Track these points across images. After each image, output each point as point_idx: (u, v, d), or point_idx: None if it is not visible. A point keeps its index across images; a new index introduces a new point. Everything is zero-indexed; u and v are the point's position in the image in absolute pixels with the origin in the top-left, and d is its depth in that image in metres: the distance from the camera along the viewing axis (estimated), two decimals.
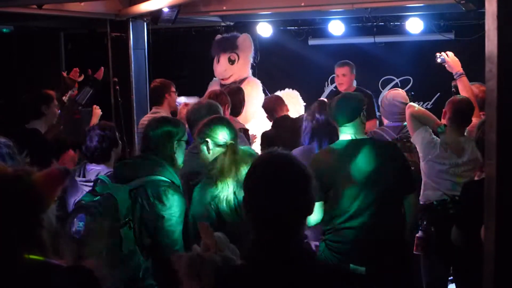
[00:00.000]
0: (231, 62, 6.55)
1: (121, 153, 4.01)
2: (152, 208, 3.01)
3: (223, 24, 7.51)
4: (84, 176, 3.57)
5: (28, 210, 1.73)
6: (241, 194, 2.96)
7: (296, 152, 3.96)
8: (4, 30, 7.98)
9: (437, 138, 4.08)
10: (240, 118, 5.17)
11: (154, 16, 6.01)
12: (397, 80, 7.38)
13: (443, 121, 4.09)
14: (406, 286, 3.43)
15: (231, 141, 3.13)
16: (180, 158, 3.23)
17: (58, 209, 3.36)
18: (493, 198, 2.18)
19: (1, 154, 2.90)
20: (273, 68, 7.43)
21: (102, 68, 5.51)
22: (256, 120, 6.09)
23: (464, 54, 4.89)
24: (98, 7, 6.14)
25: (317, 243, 3.45)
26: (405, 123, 4.38)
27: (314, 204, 1.87)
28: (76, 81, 5.54)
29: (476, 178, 3.38)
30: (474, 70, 4.46)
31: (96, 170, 3.56)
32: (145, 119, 5.43)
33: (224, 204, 2.98)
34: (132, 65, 6.50)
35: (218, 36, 6.92)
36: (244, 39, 6.67)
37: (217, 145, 3.14)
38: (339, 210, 3.28)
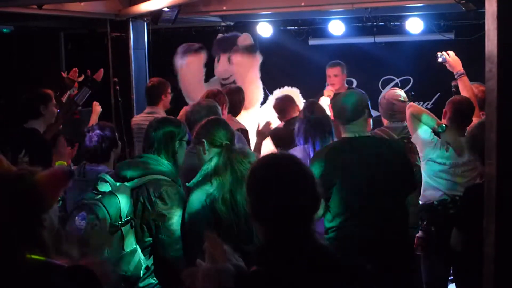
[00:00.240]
0: (231, 61, 6.55)
1: (121, 153, 4.01)
2: (154, 207, 3.02)
3: (223, 24, 7.52)
4: (84, 176, 3.57)
5: (29, 210, 1.73)
6: (237, 193, 2.99)
7: (291, 152, 3.96)
8: (4, 30, 7.98)
9: (437, 138, 4.07)
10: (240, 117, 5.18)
11: (154, 16, 6.02)
12: (397, 80, 7.38)
13: (444, 121, 4.09)
14: (406, 286, 3.43)
15: (227, 142, 3.13)
16: (181, 157, 3.26)
17: (59, 210, 3.37)
18: (493, 198, 2.18)
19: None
20: (273, 68, 7.42)
21: (102, 69, 5.51)
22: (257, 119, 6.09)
23: (464, 54, 4.89)
24: (98, 7, 6.14)
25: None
26: (406, 123, 4.37)
27: (320, 201, 1.88)
28: (76, 81, 5.54)
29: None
30: (474, 70, 4.46)
31: (96, 170, 3.55)
32: (137, 119, 5.41)
33: (220, 203, 2.99)
34: (132, 65, 6.52)
35: (219, 36, 6.92)
36: (244, 39, 6.67)
37: (214, 145, 3.14)
38: (341, 208, 3.28)
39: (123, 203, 2.96)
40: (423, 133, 4.09)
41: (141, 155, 3.29)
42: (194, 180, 3.11)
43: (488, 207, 2.22)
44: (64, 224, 2.84)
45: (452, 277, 4.13)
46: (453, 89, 4.79)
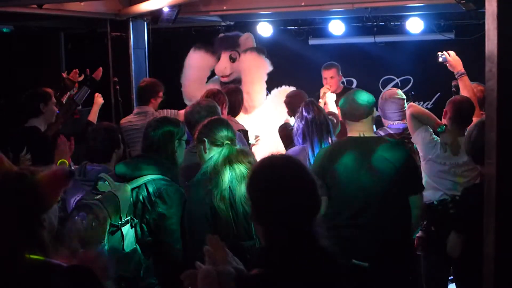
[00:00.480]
0: (232, 60, 6.54)
1: (122, 154, 4.01)
2: (154, 207, 3.03)
3: (223, 23, 7.51)
4: (84, 176, 3.57)
5: (30, 209, 1.73)
6: (236, 190, 3.00)
7: (290, 152, 3.97)
8: (4, 30, 7.97)
9: (437, 138, 4.07)
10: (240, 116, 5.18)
11: (154, 15, 6.02)
12: (397, 80, 7.38)
13: (444, 121, 4.09)
14: (406, 286, 3.42)
15: (228, 142, 3.14)
16: (180, 157, 3.27)
17: (59, 210, 3.37)
18: (493, 198, 2.19)
19: None
20: (273, 68, 7.42)
21: (101, 68, 5.50)
22: (257, 119, 6.09)
23: (464, 54, 4.88)
24: (98, 6, 6.14)
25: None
26: (406, 123, 4.37)
27: (321, 203, 1.88)
28: (76, 82, 5.54)
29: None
30: (474, 70, 4.46)
31: (96, 170, 3.55)
32: (123, 122, 5.32)
33: (219, 200, 2.99)
34: (132, 65, 6.52)
35: (221, 34, 6.92)
36: (246, 38, 6.66)
37: (215, 145, 3.15)
38: (342, 207, 3.28)
39: (123, 203, 2.96)
40: (423, 133, 4.09)
41: (141, 155, 3.30)
42: (193, 179, 3.12)
43: (488, 207, 2.22)
44: (64, 224, 2.84)
45: (452, 277, 4.13)
46: (453, 89, 4.79)
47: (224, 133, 3.18)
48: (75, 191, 3.48)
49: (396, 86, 7.09)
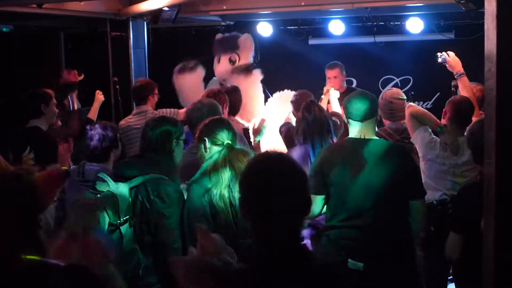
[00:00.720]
0: (232, 62, 6.54)
1: (120, 153, 4.01)
2: (153, 206, 3.02)
3: (223, 23, 7.50)
4: (83, 176, 3.57)
5: (26, 209, 1.73)
6: (235, 189, 3.00)
7: (290, 152, 3.97)
8: (4, 29, 7.98)
9: (437, 138, 4.07)
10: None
11: (154, 15, 6.02)
12: (397, 80, 7.38)
13: (443, 121, 4.09)
14: (406, 286, 3.41)
15: (228, 142, 3.14)
16: (178, 156, 3.27)
17: (58, 210, 3.36)
18: (492, 197, 2.18)
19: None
20: (273, 68, 7.42)
21: (75, 71, 5.51)
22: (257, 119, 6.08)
23: (464, 54, 4.88)
24: (98, 6, 6.15)
25: (309, 241, 3.44)
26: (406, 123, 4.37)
27: (310, 205, 1.87)
28: (76, 82, 5.55)
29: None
30: (474, 70, 4.46)
31: (95, 170, 3.55)
32: (123, 123, 5.33)
33: (218, 198, 2.99)
34: (132, 65, 6.52)
35: (219, 35, 6.86)
36: (245, 39, 6.65)
37: (215, 144, 3.15)
38: (341, 208, 3.27)
39: (122, 202, 2.96)
40: (422, 133, 4.09)
41: (139, 154, 3.30)
42: (193, 178, 3.12)
43: (487, 206, 2.22)
44: (62, 224, 2.84)
45: (452, 277, 4.13)
46: (452, 89, 4.79)
47: (224, 133, 3.18)
48: (74, 191, 3.48)
49: (395, 86, 7.07)
